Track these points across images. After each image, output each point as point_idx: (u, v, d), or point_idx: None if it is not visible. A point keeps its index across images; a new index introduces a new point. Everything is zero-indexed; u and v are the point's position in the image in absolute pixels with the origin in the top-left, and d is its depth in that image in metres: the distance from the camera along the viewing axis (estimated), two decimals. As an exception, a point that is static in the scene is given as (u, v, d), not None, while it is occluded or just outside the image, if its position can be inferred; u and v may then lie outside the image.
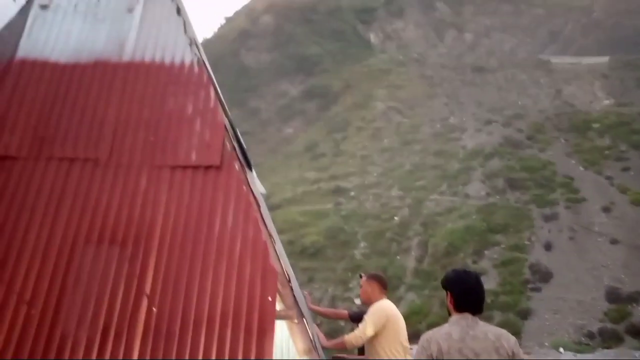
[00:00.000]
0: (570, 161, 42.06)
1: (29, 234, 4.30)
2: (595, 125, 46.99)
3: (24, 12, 5.44)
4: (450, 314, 3.18)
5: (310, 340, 4.78)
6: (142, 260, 4.18)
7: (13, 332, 3.78)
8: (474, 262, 31.11)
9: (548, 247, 32.20)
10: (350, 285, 30.36)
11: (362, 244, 35.33)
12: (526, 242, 32.96)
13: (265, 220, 4.69)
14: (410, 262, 33.01)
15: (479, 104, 59.78)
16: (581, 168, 40.73)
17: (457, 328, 3.03)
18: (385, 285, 5.17)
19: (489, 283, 27.42)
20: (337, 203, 40.60)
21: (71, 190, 4.58)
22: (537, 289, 28.65)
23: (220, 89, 5.45)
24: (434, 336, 3.04)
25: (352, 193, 42.20)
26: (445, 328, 3.09)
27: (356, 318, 5.50)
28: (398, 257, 33.66)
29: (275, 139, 63.34)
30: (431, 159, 45.21)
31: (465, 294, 3.12)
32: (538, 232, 33.75)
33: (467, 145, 46.28)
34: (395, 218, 37.38)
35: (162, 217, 4.49)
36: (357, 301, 23.07)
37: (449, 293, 3.18)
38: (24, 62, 5.13)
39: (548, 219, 34.70)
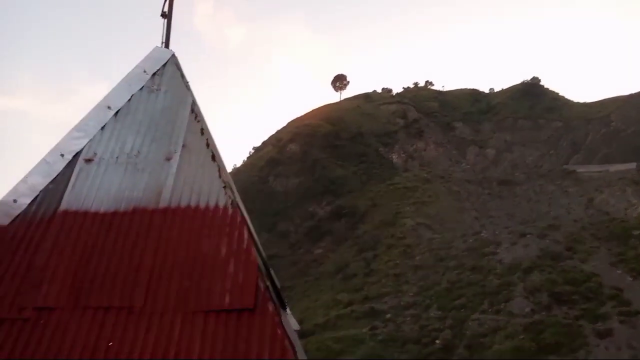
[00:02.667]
0: (616, 271, 39.97)
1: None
2: (636, 232, 45.36)
3: (70, 165, 5.81)
4: None
5: None
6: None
7: None
8: (528, 388, 28.39)
9: (608, 368, 29.42)
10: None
11: (403, 373, 32.98)
12: (583, 364, 30.24)
13: (302, 366, 4.45)
14: (458, 391, 30.34)
15: (511, 217, 59.08)
16: (629, 278, 38.53)
17: None
18: None
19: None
20: (373, 327, 38.77)
21: (105, 340, 4.50)
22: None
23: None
24: None
25: (388, 315, 40.44)
26: None
27: None
28: (443, 386, 31.06)
29: (305, 261, 62.97)
30: (468, 276, 43.68)
31: None
32: (594, 351, 31.06)
33: (504, 260, 44.83)
34: (437, 341, 35.20)
35: (195, 367, 4.31)
36: None
37: None
38: (66, 214, 5.36)
39: (602, 335, 32.13)
